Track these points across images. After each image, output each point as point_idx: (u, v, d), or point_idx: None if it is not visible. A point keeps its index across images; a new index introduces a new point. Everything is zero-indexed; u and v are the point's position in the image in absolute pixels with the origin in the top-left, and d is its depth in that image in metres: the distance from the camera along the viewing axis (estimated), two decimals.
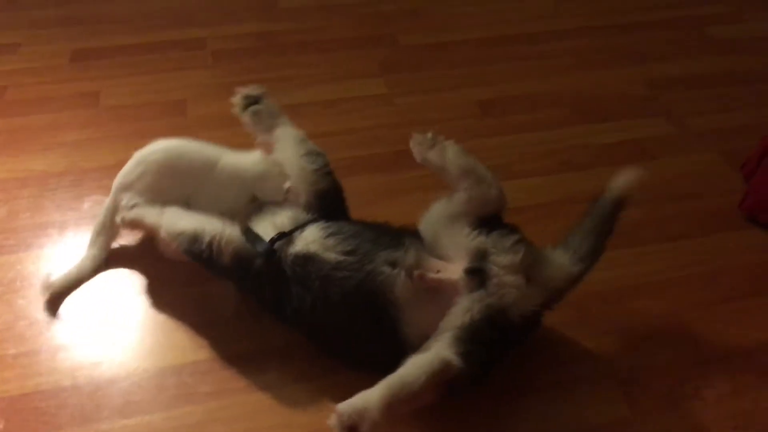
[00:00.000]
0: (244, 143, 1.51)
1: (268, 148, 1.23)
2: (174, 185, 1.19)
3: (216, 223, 1.10)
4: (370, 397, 0.88)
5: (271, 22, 2.00)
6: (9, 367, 1.08)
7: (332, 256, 1.02)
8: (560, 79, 1.77)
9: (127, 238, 1.28)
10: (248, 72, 1.79)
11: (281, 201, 1.17)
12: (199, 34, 1.94)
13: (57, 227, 1.33)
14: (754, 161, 1.41)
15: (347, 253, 1.02)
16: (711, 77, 1.79)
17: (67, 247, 1.28)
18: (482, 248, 0.99)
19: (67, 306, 1.18)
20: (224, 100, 1.67)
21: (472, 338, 0.93)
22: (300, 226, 1.09)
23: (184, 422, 1.01)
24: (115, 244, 1.27)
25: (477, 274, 0.97)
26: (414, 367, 0.91)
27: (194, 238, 1.08)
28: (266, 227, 1.11)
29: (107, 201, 1.24)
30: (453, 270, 0.99)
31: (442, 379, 0.91)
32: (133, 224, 1.19)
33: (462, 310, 0.95)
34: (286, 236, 1.07)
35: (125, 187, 1.20)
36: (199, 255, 1.08)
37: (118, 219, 1.19)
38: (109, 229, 1.23)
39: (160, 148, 1.23)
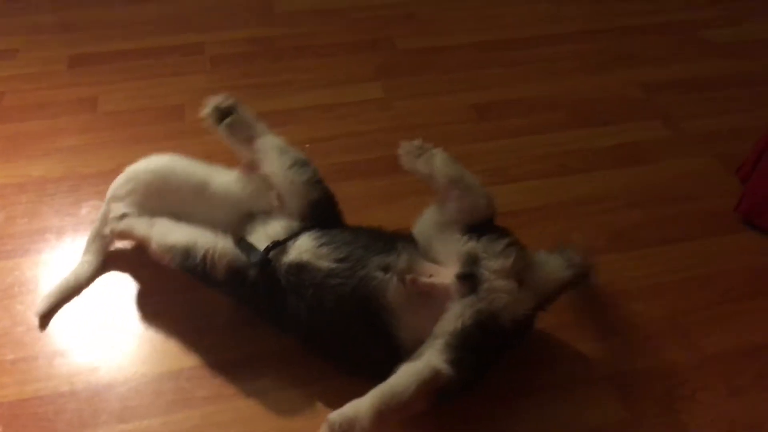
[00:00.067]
0: None
1: (249, 169, 1.19)
2: (163, 204, 1.18)
3: (208, 237, 1.08)
4: (360, 406, 0.88)
5: (268, 27, 2.01)
6: (7, 372, 1.08)
7: (325, 263, 1.02)
8: (557, 83, 1.78)
9: (124, 244, 1.28)
10: (246, 77, 1.79)
11: (273, 211, 1.17)
12: (197, 39, 1.94)
13: (55, 232, 1.33)
14: (749, 164, 1.41)
15: (340, 260, 1.02)
16: (707, 80, 1.79)
17: (65, 253, 1.28)
18: (473, 253, 0.99)
19: (64, 311, 1.18)
20: None
21: (463, 344, 0.93)
22: (293, 235, 1.08)
23: (181, 427, 1.01)
24: (112, 249, 1.27)
25: (468, 279, 0.97)
26: (404, 375, 0.91)
27: (187, 253, 1.07)
28: (259, 237, 1.11)
29: (102, 208, 1.24)
30: (445, 274, 0.99)
31: (432, 388, 0.91)
32: (123, 236, 1.18)
33: (453, 316, 0.95)
34: (279, 245, 1.07)
35: (116, 200, 1.20)
36: (193, 269, 1.07)
37: (106, 230, 1.18)
38: (103, 236, 1.23)
39: (150, 168, 1.21)
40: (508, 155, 1.54)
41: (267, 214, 1.16)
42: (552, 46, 1.93)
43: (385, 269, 1.00)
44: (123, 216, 1.16)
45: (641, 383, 1.07)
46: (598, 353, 1.12)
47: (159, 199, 1.18)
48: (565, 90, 1.76)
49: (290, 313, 1.05)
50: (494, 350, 1.00)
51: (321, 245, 1.04)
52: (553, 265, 1.04)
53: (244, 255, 1.07)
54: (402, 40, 1.96)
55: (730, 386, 1.07)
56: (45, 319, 1.16)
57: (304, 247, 1.05)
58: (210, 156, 1.26)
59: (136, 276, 1.24)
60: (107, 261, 1.26)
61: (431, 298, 0.99)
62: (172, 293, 1.20)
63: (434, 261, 1.04)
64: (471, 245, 1.00)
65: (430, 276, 1.00)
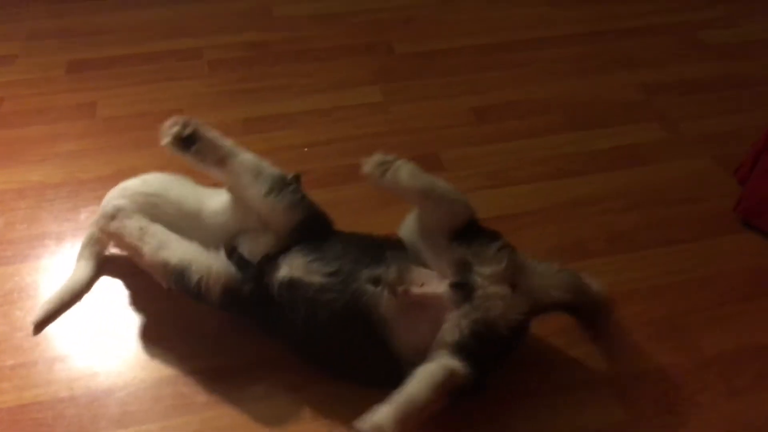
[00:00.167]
0: None
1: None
2: (154, 222, 1.14)
3: (202, 257, 1.04)
4: (384, 414, 0.88)
5: (266, 32, 2.01)
6: (6, 378, 1.09)
7: (316, 279, 1.01)
8: (555, 86, 1.78)
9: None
10: (244, 81, 1.80)
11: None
12: (194, 44, 1.95)
13: (54, 238, 1.33)
14: (748, 165, 1.41)
15: (330, 274, 1.00)
16: (704, 82, 1.79)
17: (64, 258, 1.28)
18: (464, 260, 0.98)
19: (63, 317, 1.18)
20: (220, 110, 1.69)
21: (463, 354, 0.93)
22: (284, 249, 1.07)
23: None
24: (111, 254, 1.27)
25: (461, 287, 0.96)
26: (421, 380, 0.91)
27: (181, 274, 1.04)
28: (251, 248, 1.09)
29: (96, 215, 1.24)
30: (437, 283, 0.99)
31: (448, 388, 0.91)
32: (112, 237, 1.14)
33: (450, 328, 0.95)
34: (271, 260, 1.06)
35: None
36: (186, 290, 1.05)
37: (96, 226, 1.13)
38: (98, 240, 1.24)
39: (143, 191, 1.17)
40: (507, 158, 1.54)
41: (258, 226, 1.13)
42: (550, 49, 1.94)
43: (376, 282, 0.98)
44: (116, 213, 1.10)
45: (640, 385, 1.07)
46: (597, 356, 1.12)
47: (150, 218, 1.14)
48: (563, 92, 1.76)
49: (286, 326, 1.05)
50: (495, 357, 1.00)
51: (311, 261, 1.03)
52: (552, 280, 1.03)
53: (237, 270, 1.05)
54: (400, 43, 1.96)
55: (730, 387, 1.07)
56: (39, 327, 1.16)
57: (294, 263, 1.04)
58: None
59: (136, 281, 1.24)
60: (107, 266, 1.26)
61: (425, 307, 0.98)
62: (172, 298, 1.20)
63: (425, 265, 1.03)
64: (461, 251, 0.99)
65: (422, 285, 0.98)
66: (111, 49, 1.92)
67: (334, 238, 1.09)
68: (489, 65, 1.87)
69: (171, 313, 1.18)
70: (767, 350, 1.13)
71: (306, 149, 1.56)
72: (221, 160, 1.08)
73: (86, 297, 1.22)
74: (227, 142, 1.10)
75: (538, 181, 1.47)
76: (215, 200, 1.16)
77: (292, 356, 1.10)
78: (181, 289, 1.06)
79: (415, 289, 0.98)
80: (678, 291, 1.23)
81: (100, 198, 1.24)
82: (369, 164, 1.02)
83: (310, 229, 1.08)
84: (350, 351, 1.02)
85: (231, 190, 1.14)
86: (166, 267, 1.04)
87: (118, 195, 1.19)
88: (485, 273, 0.97)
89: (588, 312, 1.14)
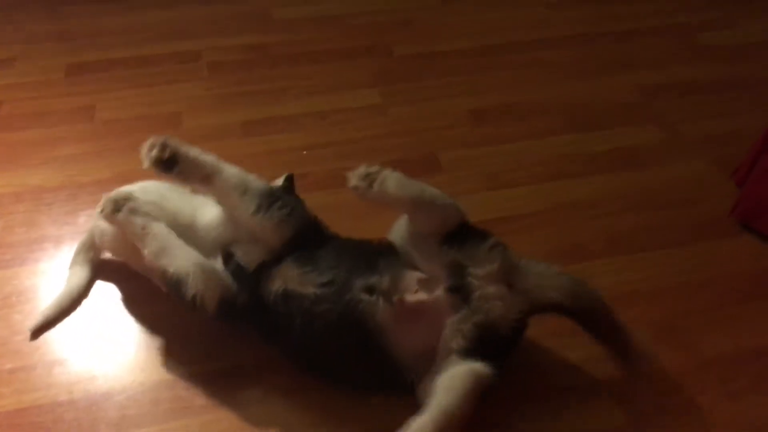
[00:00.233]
0: (240, 154, 1.52)
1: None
2: None
3: (198, 270, 1.02)
4: (423, 428, 0.88)
5: (265, 34, 2.01)
6: (5, 382, 1.09)
7: (310, 290, 1.00)
8: (553, 88, 1.78)
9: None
10: (243, 84, 1.80)
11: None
12: (193, 46, 1.95)
13: (53, 242, 1.33)
14: (746, 167, 1.41)
15: (324, 285, 1.00)
16: (703, 84, 1.80)
17: (63, 262, 1.28)
18: (457, 262, 0.98)
19: (62, 321, 1.18)
20: (220, 112, 1.70)
21: (476, 357, 0.93)
22: (278, 258, 1.06)
23: None
24: (108, 258, 1.27)
25: (457, 291, 0.96)
26: (450, 388, 0.91)
27: (177, 284, 1.02)
28: (247, 255, 1.08)
29: (91, 223, 1.25)
30: (432, 287, 0.98)
31: (479, 392, 0.92)
32: (116, 225, 1.10)
33: (452, 333, 0.95)
34: (267, 267, 1.05)
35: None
36: (181, 302, 1.04)
37: (101, 210, 1.09)
38: (91, 247, 1.24)
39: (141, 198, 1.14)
40: (506, 159, 1.54)
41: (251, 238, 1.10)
42: (549, 51, 1.94)
43: (370, 291, 0.98)
44: (125, 200, 1.07)
45: (639, 387, 1.07)
46: (595, 359, 1.12)
47: None
48: (562, 94, 1.76)
49: (283, 335, 1.05)
50: (505, 350, 1.00)
51: (305, 272, 1.02)
52: (551, 281, 1.03)
53: (234, 280, 1.05)
54: (399, 46, 1.96)
55: (728, 390, 1.07)
56: (37, 333, 1.16)
57: (288, 275, 1.03)
58: None
59: (133, 285, 1.24)
60: (105, 270, 1.26)
61: (422, 314, 0.97)
62: (170, 302, 1.20)
63: (417, 269, 1.02)
64: (453, 254, 0.99)
65: (416, 291, 0.98)
66: (110, 52, 1.92)
67: (327, 246, 1.08)
68: (487, 67, 1.87)
69: (169, 316, 1.18)
70: (764, 353, 1.13)
71: (305, 152, 1.56)
72: (206, 178, 1.06)
73: (85, 301, 1.22)
74: (210, 159, 1.07)
75: (536, 182, 1.48)
76: (208, 212, 1.14)
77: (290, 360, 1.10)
78: (176, 298, 1.05)
79: (410, 297, 0.97)
80: (677, 293, 1.23)
81: (98, 201, 1.24)
82: (354, 177, 1.01)
83: (303, 239, 1.07)
84: (348, 359, 1.02)
85: (220, 204, 1.13)
86: (164, 274, 1.04)
87: None
88: (480, 274, 0.97)
89: (588, 319, 1.13)
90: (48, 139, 1.60)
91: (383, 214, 1.31)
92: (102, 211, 1.07)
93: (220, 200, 1.08)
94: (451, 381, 0.91)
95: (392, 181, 0.99)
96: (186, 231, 1.11)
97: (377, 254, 1.04)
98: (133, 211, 1.06)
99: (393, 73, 1.84)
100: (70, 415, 1.04)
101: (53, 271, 1.27)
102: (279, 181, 1.21)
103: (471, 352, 0.94)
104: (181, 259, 1.03)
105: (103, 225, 1.18)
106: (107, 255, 1.27)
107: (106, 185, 1.27)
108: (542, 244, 1.32)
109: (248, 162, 1.42)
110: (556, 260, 1.28)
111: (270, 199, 1.05)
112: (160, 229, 1.06)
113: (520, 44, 1.97)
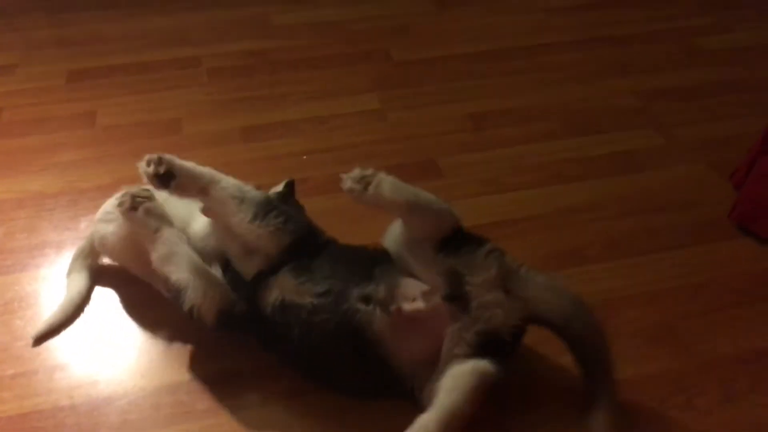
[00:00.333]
0: (240, 160, 1.53)
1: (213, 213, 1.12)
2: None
3: (197, 282, 1.02)
4: (429, 427, 0.88)
5: (264, 40, 2.03)
6: (7, 387, 1.09)
7: (308, 300, 1.00)
8: (551, 92, 1.79)
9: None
10: (242, 89, 1.81)
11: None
12: (193, 52, 1.96)
13: (54, 247, 1.34)
14: (743, 170, 1.42)
15: (321, 294, 0.99)
16: (700, 88, 1.81)
17: (64, 267, 1.29)
18: (454, 270, 0.98)
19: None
20: (219, 118, 1.70)
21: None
22: (275, 267, 1.06)
23: None
24: (107, 263, 1.28)
25: (455, 299, 0.96)
26: (454, 387, 0.91)
27: (177, 292, 1.03)
28: (244, 264, 1.08)
29: (90, 229, 1.25)
30: (429, 295, 0.98)
31: (485, 390, 0.92)
32: (130, 222, 1.09)
33: (455, 342, 0.95)
34: (264, 276, 1.05)
35: (104, 222, 1.20)
36: (181, 308, 1.04)
37: (120, 204, 1.08)
38: (89, 254, 1.25)
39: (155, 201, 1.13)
40: (505, 164, 1.55)
41: (239, 253, 1.10)
42: (546, 56, 1.95)
43: (366, 300, 0.97)
44: (144, 200, 1.07)
45: (636, 391, 1.07)
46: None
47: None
48: (559, 99, 1.77)
49: (281, 344, 1.05)
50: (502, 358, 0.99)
51: (301, 282, 1.02)
52: (550, 297, 1.00)
53: (232, 289, 1.05)
54: (398, 51, 1.97)
55: (726, 393, 1.07)
56: (39, 340, 1.16)
57: (285, 285, 1.03)
58: None
59: (134, 290, 1.24)
60: (105, 275, 1.27)
61: (420, 322, 0.97)
62: (171, 306, 1.20)
63: (413, 275, 1.02)
64: (450, 261, 0.98)
65: (413, 299, 0.97)
66: (110, 59, 1.93)
67: (323, 254, 1.07)
68: (486, 72, 1.88)
69: (170, 321, 1.18)
70: (763, 355, 1.13)
71: (304, 157, 1.57)
72: (203, 189, 1.06)
73: (86, 307, 1.22)
74: (206, 171, 1.07)
75: (535, 187, 1.48)
76: (197, 224, 1.14)
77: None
78: (176, 303, 1.05)
79: (407, 306, 0.97)
80: (674, 296, 1.23)
81: (99, 207, 1.25)
82: (349, 180, 1.00)
83: (300, 248, 1.07)
84: (346, 368, 1.02)
85: (206, 213, 1.12)
86: (167, 281, 1.04)
87: (112, 207, 1.20)
88: (476, 281, 0.97)
89: (577, 348, 1.02)
90: (49, 145, 1.61)
91: (381, 217, 1.32)
92: (120, 205, 1.07)
93: (218, 210, 1.08)
94: (455, 380, 0.91)
95: (387, 184, 0.99)
96: (187, 236, 1.11)
97: (373, 262, 1.04)
98: (149, 212, 1.06)
99: (392, 79, 1.85)
100: (71, 420, 1.04)
101: (55, 276, 1.27)
102: (279, 187, 1.22)
103: (474, 356, 0.94)
104: (184, 269, 1.03)
105: (104, 230, 1.19)
106: (105, 261, 1.28)
107: (106, 191, 1.28)
108: (541, 248, 1.33)
109: (248, 167, 1.44)
110: (555, 264, 1.29)
111: (267, 208, 1.06)
112: (170, 235, 1.06)
113: (519, 49, 1.98)
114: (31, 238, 1.36)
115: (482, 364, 0.92)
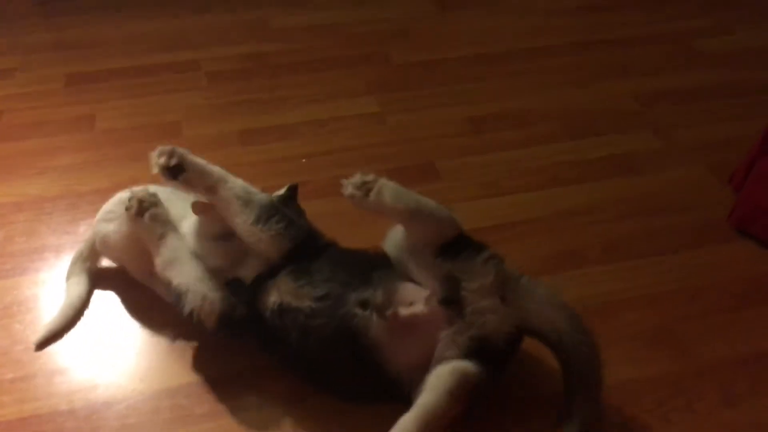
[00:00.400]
0: (239, 163, 1.53)
1: (203, 208, 1.12)
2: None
3: (197, 286, 1.03)
4: (405, 428, 0.88)
5: (263, 43, 2.03)
6: (6, 391, 1.09)
7: (306, 303, 1.00)
8: (550, 95, 1.79)
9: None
10: (241, 93, 1.81)
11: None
12: (192, 56, 1.96)
13: (53, 251, 1.34)
14: (742, 173, 1.42)
15: (319, 298, 1.00)
16: (699, 90, 1.81)
17: (63, 271, 1.29)
18: (451, 275, 0.98)
19: None
20: (218, 121, 1.71)
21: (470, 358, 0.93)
22: (274, 270, 1.06)
23: None
24: (106, 267, 1.28)
25: (451, 304, 0.96)
26: (435, 389, 0.91)
27: (178, 297, 1.04)
28: (243, 266, 1.09)
29: (90, 231, 1.25)
30: (426, 300, 0.98)
31: (465, 390, 0.92)
32: (135, 226, 1.10)
33: (447, 345, 0.95)
34: (264, 279, 1.06)
35: (105, 222, 1.20)
36: (181, 312, 1.04)
37: (127, 208, 1.08)
38: (88, 257, 1.25)
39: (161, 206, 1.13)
40: (503, 167, 1.55)
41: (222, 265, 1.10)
42: (545, 58, 1.95)
43: (364, 305, 0.98)
44: (151, 205, 1.08)
45: (635, 394, 1.07)
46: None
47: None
48: (559, 101, 1.77)
49: (280, 346, 1.05)
50: (496, 368, 0.99)
51: (300, 285, 1.02)
52: (545, 311, 0.99)
53: (232, 293, 1.05)
54: (397, 54, 1.97)
55: (726, 395, 1.07)
56: (41, 345, 1.16)
57: (284, 288, 1.03)
58: None
59: (133, 293, 1.24)
60: (104, 279, 1.26)
61: (416, 326, 0.97)
62: (169, 310, 1.20)
63: (411, 280, 1.02)
64: (447, 266, 0.98)
65: (410, 304, 0.98)
66: (109, 62, 1.94)
67: (322, 258, 1.08)
68: (485, 75, 1.88)
69: (169, 325, 1.18)
70: (763, 357, 1.13)
71: (304, 160, 1.57)
72: (210, 187, 1.07)
73: (85, 311, 1.22)
74: (215, 169, 1.08)
75: (533, 190, 1.48)
76: (185, 224, 1.13)
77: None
78: (176, 307, 1.05)
79: (403, 311, 0.97)
80: (673, 299, 1.23)
81: (98, 210, 1.25)
82: (350, 186, 1.00)
83: (300, 252, 1.07)
84: (344, 372, 1.02)
85: (196, 212, 1.12)
86: (168, 285, 1.05)
87: (118, 203, 1.20)
88: (473, 287, 0.97)
89: (567, 365, 1.00)
90: (48, 149, 1.61)
91: (381, 221, 1.32)
92: (128, 209, 1.08)
93: (222, 210, 1.09)
94: (437, 379, 0.92)
95: (388, 191, 0.99)
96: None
97: (371, 266, 1.04)
98: (155, 218, 1.08)
99: (391, 82, 1.85)
100: (70, 425, 1.04)
101: (54, 280, 1.27)
102: (282, 191, 1.22)
103: (465, 360, 0.94)
104: (186, 274, 1.04)
105: (105, 229, 1.19)
106: (104, 263, 1.28)
107: (105, 194, 1.27)
108: (540, 251, 1.33)
109: (247, 171, 1.43)
110: (554, 266, 1.29)
111: (270, 211, 1.06)
112: (174, 240, 1.08)
113: (518, 52, 1.99)
114: (30, 242, 1.36)
115: (463, 364, 0.92)
